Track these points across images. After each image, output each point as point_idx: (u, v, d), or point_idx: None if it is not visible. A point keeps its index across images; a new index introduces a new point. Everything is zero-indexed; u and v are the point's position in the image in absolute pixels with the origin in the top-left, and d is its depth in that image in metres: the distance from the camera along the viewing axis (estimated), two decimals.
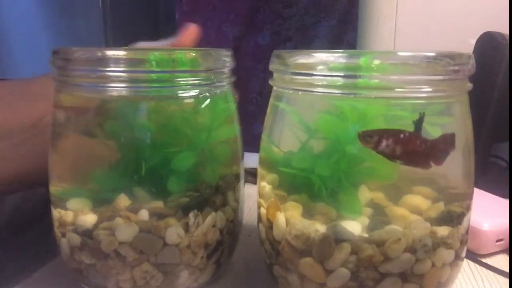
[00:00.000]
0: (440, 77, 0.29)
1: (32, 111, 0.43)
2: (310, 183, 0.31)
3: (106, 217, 0.32)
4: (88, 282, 0.35)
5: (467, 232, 0.33)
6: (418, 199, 0.31)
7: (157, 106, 0.33)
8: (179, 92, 0.33)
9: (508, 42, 0.55)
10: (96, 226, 0.32)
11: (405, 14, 0.71)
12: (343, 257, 0.29)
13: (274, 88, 0.33)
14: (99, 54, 0.31)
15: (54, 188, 0.35)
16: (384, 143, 0.29)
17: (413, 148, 0.29)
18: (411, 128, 0.28)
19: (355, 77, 0.29)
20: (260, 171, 0.35)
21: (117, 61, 0.31)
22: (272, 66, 0.33)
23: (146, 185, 0.33)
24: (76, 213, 0.33)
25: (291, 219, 0.31)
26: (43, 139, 0.40)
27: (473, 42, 0.59)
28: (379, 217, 0.30)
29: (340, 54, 0.30)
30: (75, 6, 1.46)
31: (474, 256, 0.42)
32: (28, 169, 0.43)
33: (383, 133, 0.29)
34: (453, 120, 0.31)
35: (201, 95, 0.34)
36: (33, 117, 0.42)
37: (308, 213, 0.31)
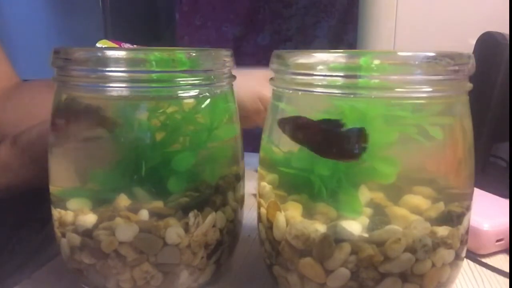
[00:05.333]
0: (440, 77, 0.29)
1: None
2: (310, 183, 0.31)
3: (106, 217, 0.32)
4: (88, 282, 0.35)
5: (467, 232, 0.33)
6: (418, 199, 0.31)
7: (157, 106, 0.33)
8: (179, 92, 0.33)
9: (508, 42, 0.55)
10: (96, 226, 0.32)
11: (405, 14, 0.71)
12: (343, 257, 0.29)
13: (274, 88, 0.33)
14: (99, 54, 0.31)
15: (54, 188, 0.35)
16: (286, 127, 0.30)
17: (311, 136, 0.28)
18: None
19: (355, 77, 0.29)
20: (260, 171, 0.35)
21: (117, 61, 0.31)
22: (272, 66, 0.33)
23: (146, 185, 0.33)
24: (76, 213, 0.33)
25: (291, 219, 0.31)
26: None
27: (473, 42, 0.59)
28: (379, 217, 0.30)
29: (340, 54, 0.30)
30: (76, 6, 1.47)
31: (474, 256, 0.42)
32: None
33: (291, 119, 0.30)
34: (453, 120, 0.31)
35: (201, 95, 0.34)
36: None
37: (308, 213, 0.31)
